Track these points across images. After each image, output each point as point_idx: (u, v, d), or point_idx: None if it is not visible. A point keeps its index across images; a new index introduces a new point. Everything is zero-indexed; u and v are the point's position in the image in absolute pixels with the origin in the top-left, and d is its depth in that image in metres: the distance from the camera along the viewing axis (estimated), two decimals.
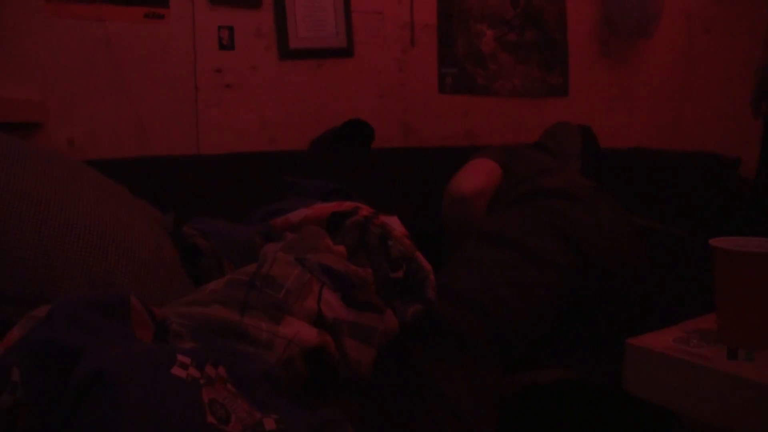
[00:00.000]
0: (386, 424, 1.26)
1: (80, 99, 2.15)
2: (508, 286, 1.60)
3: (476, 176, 2.10)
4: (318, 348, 1.25)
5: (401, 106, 2.72)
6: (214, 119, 2.37)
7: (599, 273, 1.70)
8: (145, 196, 1.84)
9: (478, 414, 1.41)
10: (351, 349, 1.34)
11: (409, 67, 2.72)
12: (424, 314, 1.46)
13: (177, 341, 1.05)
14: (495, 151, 2.24)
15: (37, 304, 1.01)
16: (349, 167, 2.36)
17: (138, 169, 2.08)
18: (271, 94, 2.46)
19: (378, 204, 2.01)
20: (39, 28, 2.07)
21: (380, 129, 2.55)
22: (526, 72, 2.96)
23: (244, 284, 1.28)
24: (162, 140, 2.28)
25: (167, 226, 1.67)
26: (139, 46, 2.22)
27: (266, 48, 2.43)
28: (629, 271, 1.76)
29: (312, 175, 2.26)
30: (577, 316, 1.70)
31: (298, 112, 2.51)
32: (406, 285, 1.50)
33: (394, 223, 1.60)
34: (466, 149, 2.66)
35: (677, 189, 2.41)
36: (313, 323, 1.29)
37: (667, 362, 1.29)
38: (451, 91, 2.82)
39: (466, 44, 2.82)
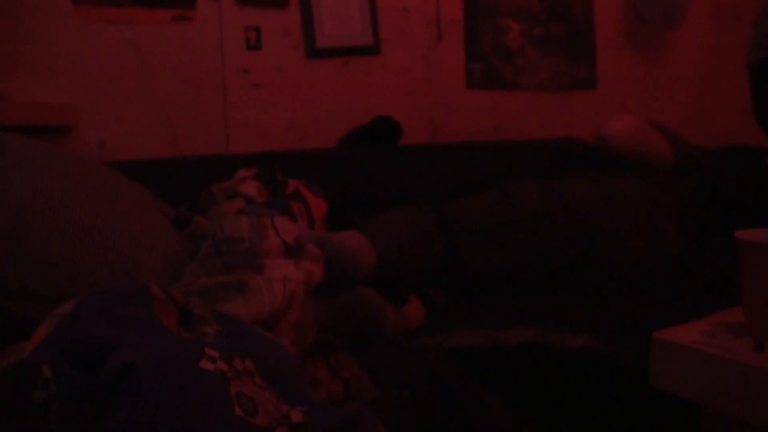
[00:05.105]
0: (412, 417, 1.26)
1: (110, 101, 2.18)
2: None
3: None
4: (306, 281, 1.35)
5: (428, 103, 2.72)
6: (242, 119, 2.39)
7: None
8: (175, 197, 1.86)
9: None
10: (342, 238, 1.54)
11: (435, 64, 2.72)
12: None
13: (201, 325, 1.06)
14: None
15: (61, 302, 1.03)
16: (376, 164, 2.37)
17: (168, 169, 2.10)
18: (298, 92, 2.47)
19: (407, 201, 2.03)
20: (68, 32, 2.11)
21: (408, 125, 2.55)
22: (554, 66, 2.94)
23: (213, 254, 1.35)
24: (191, 140, 2.31)
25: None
26: (167, 48, 2.25)
27: (293, 47, 2.45)
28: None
29: (340, 172, 2.28)
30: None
31: (326, 110, 2.53)
32: None
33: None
34: (495, 144, 2.66)
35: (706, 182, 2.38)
36: (283, 254, 1.40)
37: (694, 356, 1.27)
38: (478, 87, 2.81)
39: (493, 39, 2.81)
